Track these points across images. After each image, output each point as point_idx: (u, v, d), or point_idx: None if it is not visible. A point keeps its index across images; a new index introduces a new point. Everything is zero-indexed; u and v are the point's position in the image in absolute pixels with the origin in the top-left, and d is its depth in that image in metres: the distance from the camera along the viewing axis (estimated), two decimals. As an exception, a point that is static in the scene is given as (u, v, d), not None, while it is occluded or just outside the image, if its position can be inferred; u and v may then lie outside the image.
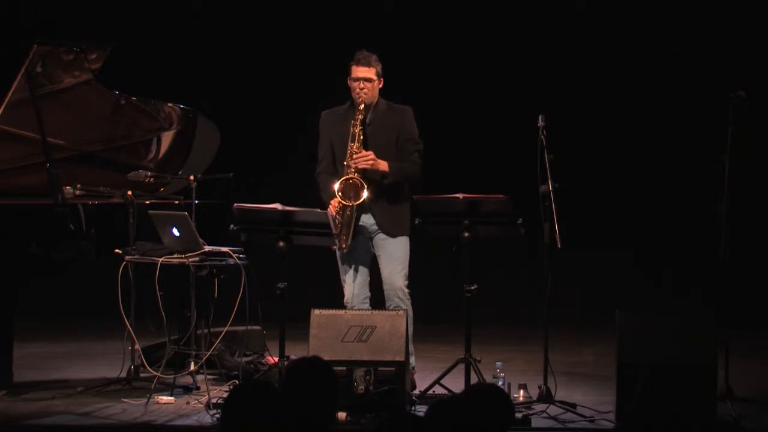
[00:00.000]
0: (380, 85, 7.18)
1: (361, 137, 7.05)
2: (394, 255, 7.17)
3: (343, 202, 7.02)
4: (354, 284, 7.18)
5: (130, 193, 7.54)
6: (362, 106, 7.07)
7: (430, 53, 10.62)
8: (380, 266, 7.21)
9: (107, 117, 7.84)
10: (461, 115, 10.58)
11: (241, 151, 9.45)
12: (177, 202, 7.91)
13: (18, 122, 7.44)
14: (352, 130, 7.06)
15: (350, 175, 7.02)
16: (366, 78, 7.11)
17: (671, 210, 10.43)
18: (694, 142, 9.92)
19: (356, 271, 7.19)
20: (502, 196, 6.83)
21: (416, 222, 6.99)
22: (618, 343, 6.49)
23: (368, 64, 7.13)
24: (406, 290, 7.16)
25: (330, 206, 7.05)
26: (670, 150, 10.43)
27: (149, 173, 7.78)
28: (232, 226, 6.96)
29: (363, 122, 7.07)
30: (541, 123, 6.98)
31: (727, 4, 10.34)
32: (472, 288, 6.88)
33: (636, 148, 10.48)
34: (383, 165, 7.08)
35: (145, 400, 6.98)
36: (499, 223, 6.91)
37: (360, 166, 7.02)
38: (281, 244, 6.86)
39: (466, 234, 6.85)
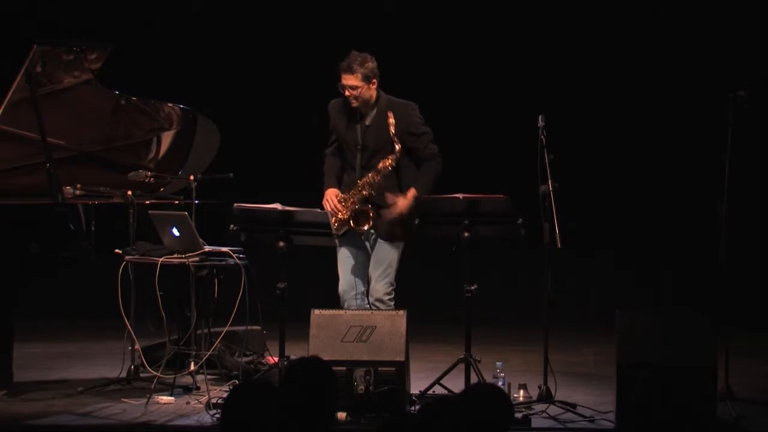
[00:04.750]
0: (374, 85, 7.04)
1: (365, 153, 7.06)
2: (381, 260, 7.10)
3: (352, 227, 6.99)
4: (348, 277, 7.12)
5: (130, 193, 7.54)
6: (360, 127, 7.05)
7: (430, 53, 10.60)
8: (369, 268, 7.16)
9: (107, 117, 7.85)
10: (461, 115, 10.55)
11: (241, 151, 9.44)
12: (177, 202, 7.91)
13: (18, 122, 7.44)
14: (357, 155, 7.05)
15: (364, 208, 6.97)
16: (350, 86, 6.99)
17: (671, 210, 10.42)
18: (694, 142, 9.91)
19: (351, 264, 7.13)
20: (502, 196, 6.82)
21: (416, 222, 6.97)
22: (618, 343, 6.49)
23: (351, 71, 6.97)
24: (386, 297, 7.06)
25: (325, 200, 7.02)
26: (670, 150, 10.42)
27: (149, 173, 7.79)
28: (232, 226, 6.95)
29: (363, 146, 7.05)
30: (541, 123, 6.98)
31: (727, 4, 10.33)
32: (472, 288, 6.88)
33: (636, 148, 10.47)
34: (411, 195, 6.99)
35: (145, 400, 6.97)
36: (499, 223, 6.90)
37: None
38: (281, 244, 6.86)
39: (466, 234, 6.84)
